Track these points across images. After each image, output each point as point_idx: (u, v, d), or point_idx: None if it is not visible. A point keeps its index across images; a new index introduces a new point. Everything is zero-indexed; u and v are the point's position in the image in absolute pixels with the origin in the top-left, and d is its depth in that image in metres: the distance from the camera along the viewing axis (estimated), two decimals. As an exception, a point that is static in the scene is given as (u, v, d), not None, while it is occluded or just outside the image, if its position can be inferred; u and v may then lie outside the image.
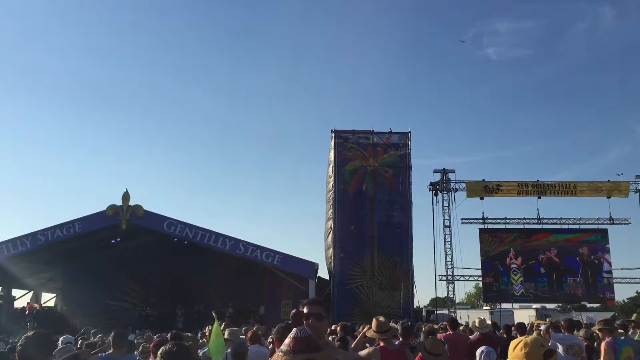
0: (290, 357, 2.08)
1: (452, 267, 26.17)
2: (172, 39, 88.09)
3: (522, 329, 9.66)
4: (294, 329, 2.23)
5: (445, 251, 26.29)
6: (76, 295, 25.69)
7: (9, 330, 19.59)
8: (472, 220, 26.47)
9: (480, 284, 28.49)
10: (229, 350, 5.87)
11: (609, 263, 25.64)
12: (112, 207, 22.29)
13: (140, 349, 7.36)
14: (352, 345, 6.14)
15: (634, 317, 9.26)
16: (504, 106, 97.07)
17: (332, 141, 24.90)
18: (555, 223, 26.46)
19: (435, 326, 11.39)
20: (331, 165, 24.70)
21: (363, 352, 5.20)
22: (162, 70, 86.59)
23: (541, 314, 29.96)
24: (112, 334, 6.45)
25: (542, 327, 9.63)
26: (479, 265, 25.88)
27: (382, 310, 20.17)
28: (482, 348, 6.72)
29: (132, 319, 23.41)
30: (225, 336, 6.33)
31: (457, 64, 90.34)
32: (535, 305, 31.53)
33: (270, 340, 8.18)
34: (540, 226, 26.40)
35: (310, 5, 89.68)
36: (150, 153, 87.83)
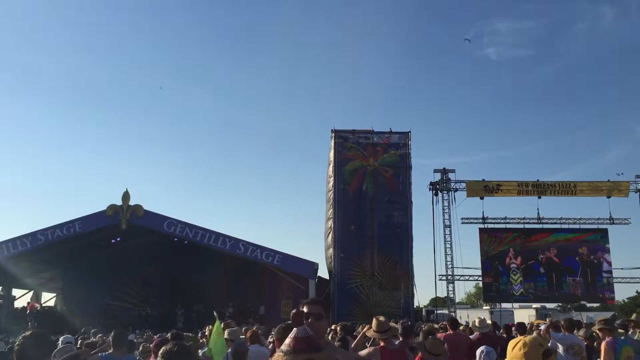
0: (291, 357, 2.09)
1: (452, 267, 26.21)
2: (172, 39, 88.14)
3: (522, 328, 9.65)
4: (295, 329, 2.23)
5: (445, 251, 26.34)
6: (76, 295, 25.69)
7: (9, 330, 19.58)
8: (472, 220, 26.49)
9: (480, 284, 28.50)
10: (229, 350, 5.87)
11: (609, 263, 25.66)
12: (112, 207, 22.29)
13: (141, 348, 7.36)
14: (352, 345, 6.14)
15: (633, 316, 9.26)
16: (504, 106, 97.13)
17: (332, 141, 24.90)
18: (556, 223, 26.47)
19: (436, 326, 11.39)
20: (331, 165, 24.70)
21: (363, 352, 5.20)
22: (162, 70, 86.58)
23: (541, 314, 29.95)
24: (112, 333, 6.45)
25: (542, 327, 9.63)
26: (479, 265, 25.91)
27: (382, 310, 20.17)
28: (482, 348, 6.72)
29: (132, 319, 23.42)
30: (225, 336, 6.33)
31: (457, 64, 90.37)
32: (535, 305, 31.53)
33: (270, 340, 8.19)
34: (540, 226, 26.41)
35: (310, 5, 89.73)
36: (150, 153, 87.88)
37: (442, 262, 26.34)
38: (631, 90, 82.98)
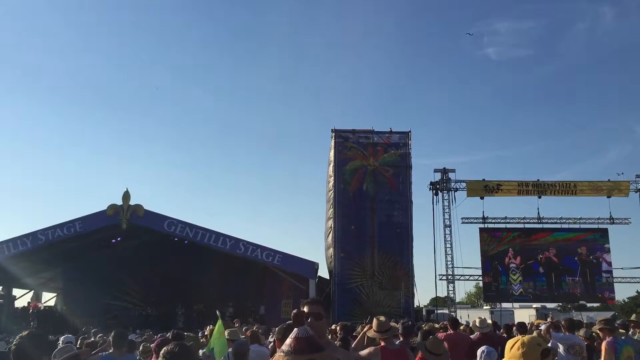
0: (292, 358, 2.08)
1: (452, 267, 26.22)
2: (172, 39, 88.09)
3: (522, 328, 9.64)
4: (295, 329, 2.23)
5: (446, 251, 26.34)
6: (76, 294, 25.69)
7: (9, 329, 19.57)
8: (472, 220, 26.49)
9: (481, 284, 28.50)
10: (230, 349, 5.87)
11: (608, 263, 25.66)
12: (112, 207, 22.30)
13: (141, 348, 7.37)
14: (353, 345, 6.14)
15: (633, 317, 9.26)
16: (504, 106, 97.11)
17: (333, 141, 24.90)
18: (556, 222, 26.47)
19: (436, 325, 11.39)
20: (331, 164, 24.70)
21: (364, 352, 5.20)
22: (162, 70, 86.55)
23: (541, 314, 29.93)
24: (113, 333, 6.45)
25: (543, 327, 9.63)
26: (479, 265, 25.91)
27: (383, 310, 20.20)
28: (483, 348, 6.72)
29: (132, 319, 23.42)
30: (226, 336, 6.33)
31: (457, 64, 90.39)
32: (535, 305, 31.53)
33: (271, 339, 8.19)
34: (540, 226, 26.40)
35: (310, 5, 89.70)
36: (150, 153, 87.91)
37: (442, 262, 26.38)
38: (631, 90, 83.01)
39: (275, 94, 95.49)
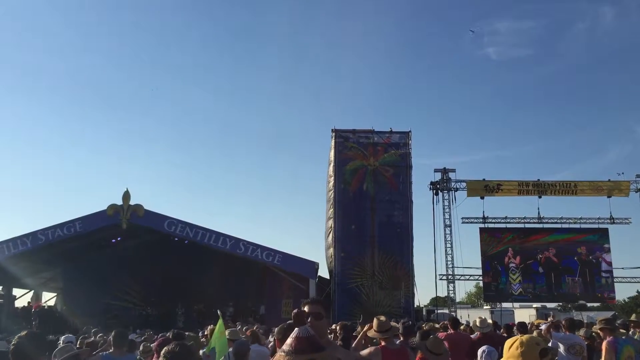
0: (293, 357, 2.08)
1: (452, 267, 26.20)
2: (172, 39, 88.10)
3: (523, 328, 9.63)
4: (296, 328, 2.22)
5: (446, 250, 26.33)
6: (76, 294, 25.68)
7: (10, 329, 19.56)
8: (472, 220, 26.48)
9: (481, 284, 28.49)
10: (230, 349, 5.87)
11: (608, 263, 25.65)
12: (112, 207, 22.29)
13: (141, 348, 7.37)
14: (353, 345, 6.14)
15: (633, 317, 9.25)
16: (504, 106, 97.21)
17: (333, 140, 24.89)
18: (556, 222, 26.45)
19: (437, 325, 11.39)
20: (331, 164, 24.69)
21: (365, 352, 5.20)
22: (162, 70, 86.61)
23: (541, 313, 29.94)
24: (113, 333, 6.46)
25: (543, 327, 9.62)
26: (480, 265, 25.90)
27: (383, 310, 20.20)
28: (483, 347, 6.72)
29: (132, 319, 23.39)
30: (226, 336, 6.33)
31: (457, 64, 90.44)
32: (535, 305, 31.53)
33: (271, 339, 8.18)
34: (540, 225, 26.39)
35: (310, 5, 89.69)
36: (150, 153, 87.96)
37: (442, 262, 26.38)
38: (631, 90, 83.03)
39: (275, 94, 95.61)
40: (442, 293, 27.37)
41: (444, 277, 26.19)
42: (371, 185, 24.08)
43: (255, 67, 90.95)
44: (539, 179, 26.47)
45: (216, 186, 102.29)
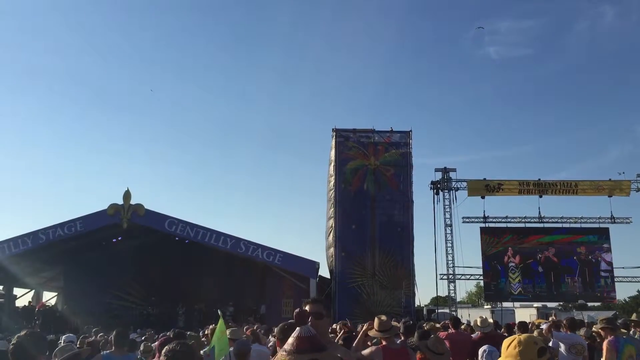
0: (294, 357, 2.07)
1: (453, 266, 26.21)
2: (172, 39, 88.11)
3: (523, 328, 9.61)
4: (298, 328, 2.22)
5: (447, 250, 26.34)
6: (77, 294, 25.66)
7: (10, 329, 19.57)
8: (473, 219, 26.47)
9: (482, 283, 28.48)
10: (231, 349, 5.86)
11: (607, 262, 25.65)
12: (113, 206, 22.29)
13: (142, 347, 7.37)
14: (354, 345, 6.12)
15: (633, 316, 9.23)
16: (505, 105, 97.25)
17: (333, 140, 24.88)
18: (557, 222, 26.44)
19: (437, 325, 11.37)
20: (332, 164, 24.68)
21: (366, 351, 5.19)
22: (162, 70, 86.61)
23: (542, 313, 29.94)
24: (114, 332, 6.45)
25: (544, 326, 9.61)
26: (480, 264, 25.90)
27: (383, 309, 20.17)
28: (484, 347, 6.72)
29: (133, 318, 23.39)
30: (227, 335, 6.32)
31: (458, 64, 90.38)
32: (536, 304, 31.52)
33: (271, 339, 8.17)
34: (541, 225, 26.38)
35: (310, 5, 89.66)
36: (151, 153, 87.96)
37: (443, 261, 26.40)
38: (631, 90, 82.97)
39: (275, 94, 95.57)
40: (443, 292, 27.43)
41: (445, 277, 26.22)
42: (372, 184, 24.07)
43: (255, 67, 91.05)
44: (539, 179, 26.47)
45: (216, 186, 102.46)
